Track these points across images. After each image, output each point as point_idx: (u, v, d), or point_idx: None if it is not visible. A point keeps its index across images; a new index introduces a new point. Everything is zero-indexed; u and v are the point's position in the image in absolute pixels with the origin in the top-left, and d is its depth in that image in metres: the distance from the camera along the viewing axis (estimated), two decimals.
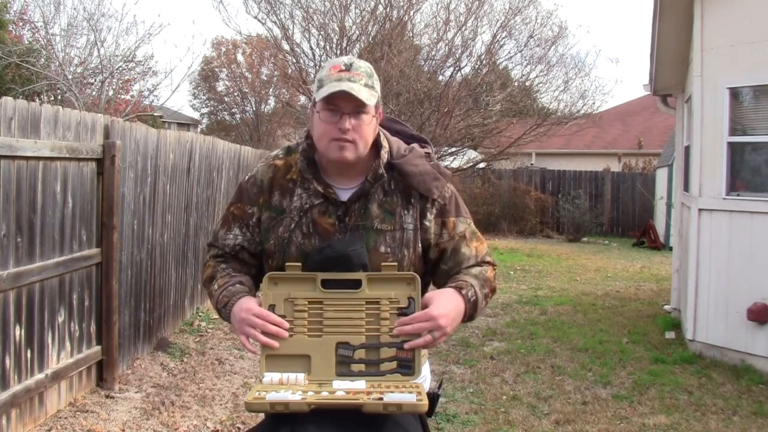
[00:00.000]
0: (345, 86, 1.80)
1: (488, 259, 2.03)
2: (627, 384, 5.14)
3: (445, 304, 1.83)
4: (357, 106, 1.83)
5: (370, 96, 1.83)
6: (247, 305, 1.84)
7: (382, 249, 1.90)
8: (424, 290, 2.00)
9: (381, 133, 1.99)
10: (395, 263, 1.90)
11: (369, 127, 1.88)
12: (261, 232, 1.97)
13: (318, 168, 1.94)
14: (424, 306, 1.82)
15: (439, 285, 1.98)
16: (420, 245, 1.94)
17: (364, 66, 1.88)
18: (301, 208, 1.93)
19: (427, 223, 1.95)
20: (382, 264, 1.90)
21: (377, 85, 1.90)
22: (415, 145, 2.04)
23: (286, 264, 1.93)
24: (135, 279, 5.14)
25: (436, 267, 1.99)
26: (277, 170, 1.99)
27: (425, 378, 2.11)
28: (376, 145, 1.96)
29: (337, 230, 1.91)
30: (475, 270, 1.98)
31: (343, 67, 1.85)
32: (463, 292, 1.87)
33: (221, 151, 7.55)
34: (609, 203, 17.77)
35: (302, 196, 1.94)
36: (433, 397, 1.97)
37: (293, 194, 1.95)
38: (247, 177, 2.04)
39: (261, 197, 1.98)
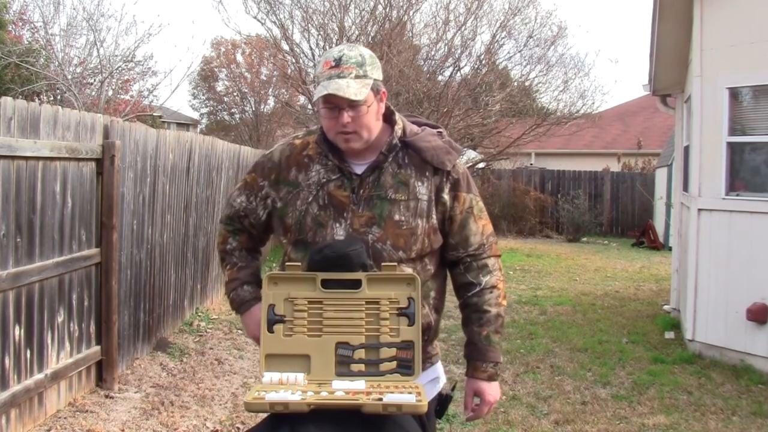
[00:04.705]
0: (333, 87, 1.87)
1: (492, 240, 2.10)
2: (626, 384, 5.14)
3: (493, 390, 2.06)
4: (350, 101, 1.89)
5: (360, 89, 1.89)
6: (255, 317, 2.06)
7: (397, 217, 1.95)
8: (436, 275, 2.05)
9: (395, 111, 2.07)
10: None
11: (368, 115, 1.94)
12: (279, 208, 2.04)
13: (335, 144, 2.00)
14: (475, 393, 2.05)
15: (447, 260, 2.08)
16: (434, 217, 2.00)
17: (354, 56, 1.92)
18: (318, 182, 2.00)
19: (444, 196, 2.01)
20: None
21: (373, 70, 1.95)
22: (426, 127, 2.11)
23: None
24: (134, 279, 5.14)
25: (445, 239, 2.06)
26: (294, 148, 2.07)
27: (438, 378, 2.11)
28: (390, 121, 2.04)
29: (351, 201, 1.97)
30: (489, 297, 2.05)
31: (333, 63, 1.91)
32: (497, 376, 2.09)
33: (221, 151, 7.54)
34: (608, 203, 17.76)
35: (320, 171, 2.01)
36: (445, 399, 2.00)
37: (309, 169, 2.02)
38: (266, 152, 2.15)
39: (274, 173, 2.06)
